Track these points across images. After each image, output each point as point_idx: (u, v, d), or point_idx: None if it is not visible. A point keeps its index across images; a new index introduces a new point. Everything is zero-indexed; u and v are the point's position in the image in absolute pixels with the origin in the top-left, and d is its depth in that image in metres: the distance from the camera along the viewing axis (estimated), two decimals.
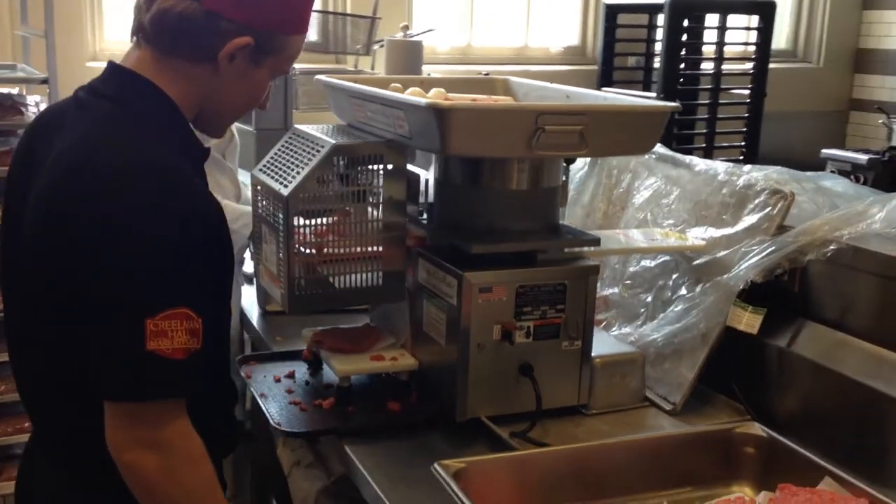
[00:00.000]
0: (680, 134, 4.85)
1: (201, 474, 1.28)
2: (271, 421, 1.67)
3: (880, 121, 5.32)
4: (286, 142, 1.83)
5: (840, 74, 6.08)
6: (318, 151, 1.68)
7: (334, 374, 1.78)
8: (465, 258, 1.64)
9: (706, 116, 4.95)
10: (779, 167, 1.94)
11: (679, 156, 2.10)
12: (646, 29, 5.22)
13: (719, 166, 1.98)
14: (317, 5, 4.04)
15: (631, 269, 2.07)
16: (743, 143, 5.05)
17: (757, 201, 1.83)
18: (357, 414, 1.73)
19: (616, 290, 2.09)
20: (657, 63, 4.97)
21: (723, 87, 4.97)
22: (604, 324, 2.06)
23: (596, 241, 1.73)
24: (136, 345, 1.19)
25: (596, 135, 1.57)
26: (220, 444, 1.42)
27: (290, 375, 1.88)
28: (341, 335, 1.84)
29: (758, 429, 1.50)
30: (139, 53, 1.36)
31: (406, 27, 3.59)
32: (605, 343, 1.86)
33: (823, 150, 5.25)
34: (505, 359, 1.67)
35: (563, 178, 1.77)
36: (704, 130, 4.96)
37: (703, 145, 4.93)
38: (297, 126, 1.86)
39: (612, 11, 5.09)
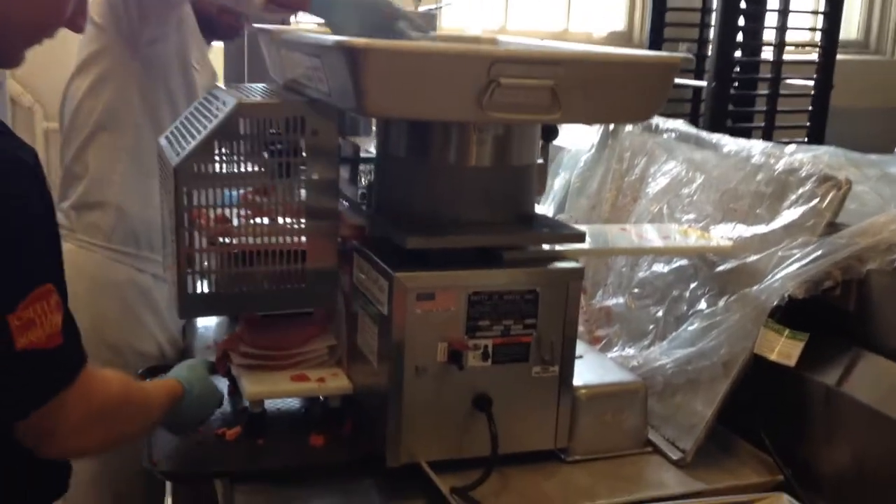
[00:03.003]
0: (735, 127, 4.37)
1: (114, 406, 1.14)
2: (145, 457, 1.29)
3: None
4: (199, 103, 1.46)
5: None
6: (218, 112, 1.31)
7: None
8: (401, 255, 1.25)
9: (764, 109, 4.47)
10: (831, 147, 1.50)
11: (705, 134, 1.67)
12: (699, 13, 4.76)
13: (755, 146, 1.55)
14: None
15: (640, 274, 1.65)
16: (805, 140, 4.55)
17: (801, 191, 1.40)
18: (266, 449, 1.35)
19: (621, 299, 1.68)
20: (711, 51, 4.51)
21: (784, 76, 4.49)
22: (604, 342, 1.64)
23: (580, 237, 1.31)
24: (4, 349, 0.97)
25: (573, 93, 1.15)
26: (51, 480, 1.16)
27: None
28: (266, 330, 1.45)
29: (787, 502, 1.07)
30: None
31: None
32: (597, 368, 1.45)
33: None
34: (454, 388, 1.28)
35: (542, 160, 1.36)
36: (762, 124, 4.48)
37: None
38: (219, 84, 1.49)
39: None
